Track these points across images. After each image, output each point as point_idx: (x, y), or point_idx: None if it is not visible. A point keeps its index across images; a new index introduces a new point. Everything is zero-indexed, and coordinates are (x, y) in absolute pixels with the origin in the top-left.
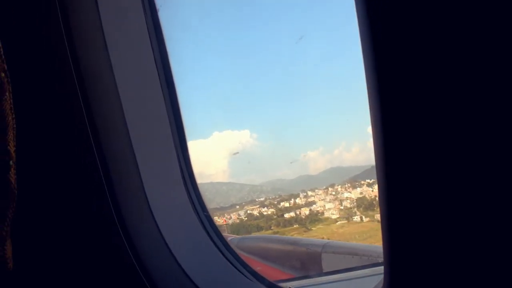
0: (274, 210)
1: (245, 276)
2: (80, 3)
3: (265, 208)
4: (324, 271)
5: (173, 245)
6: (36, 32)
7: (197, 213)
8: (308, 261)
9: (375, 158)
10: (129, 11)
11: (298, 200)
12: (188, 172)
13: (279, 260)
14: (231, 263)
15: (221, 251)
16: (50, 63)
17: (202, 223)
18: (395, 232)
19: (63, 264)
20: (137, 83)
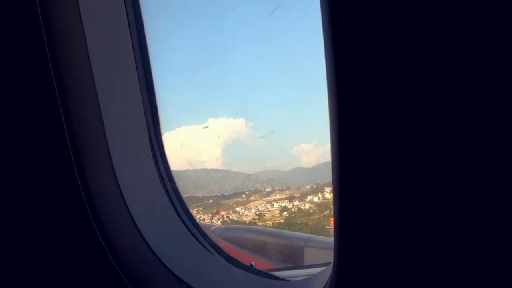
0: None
1: (206, 248)
2: None
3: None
4: (305, 264)
5: (138, 216)
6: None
7: (164, 185)
8: (290, 254)
9: (331, 157)
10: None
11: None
12: (158, 143)
13: (262, 251)
14: (193, 235)
15: (184, 224)
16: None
17: (168, 194)
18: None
19: (26, 241)
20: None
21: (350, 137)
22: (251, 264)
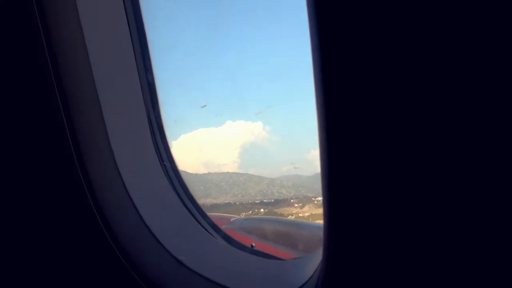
0: None
1: (205, 229)
2: None
3: None
4: None
5: (136, 196)
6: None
7: (163, 164)
8: (311, 243)
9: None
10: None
11: None
12: (157, 123)
13: (282, 241)
14: (193, 215)
15: (184, 205)
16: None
17: (167, 174)
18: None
19: (27, 225)
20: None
21: (337, 128)
22: (252, 245)
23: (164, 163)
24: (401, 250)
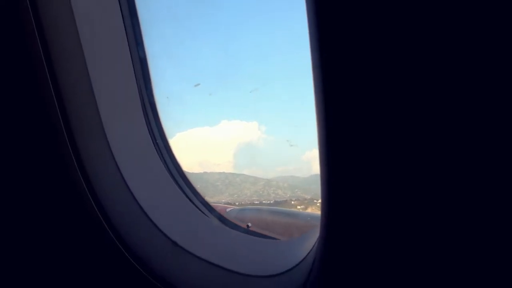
0: None
1: (199, 208)
2: None
3: None
4: None
5: (130, 178)
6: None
7: (155, 143)
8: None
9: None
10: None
11: None
12: (149, 100)
13: (279, 231)
14: (186, 196)
15: (178, 184)
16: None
17: (160, 153)
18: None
19: (22, 213)
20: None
21: (335, 128)
22: (247, 225)
23: (157, 141)
24: (396, 232)
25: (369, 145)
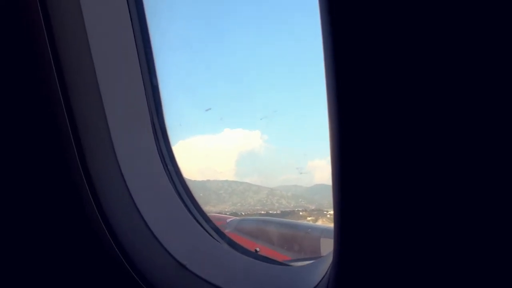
0: None
1: (209, 233)
2: None
3: None
4: (322, 255)
5: (140, 201)
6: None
7: (166, 168)
8: (307, 245)
9: (331, 153)
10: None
11: None
12: (160, 126)
13: (278, 242)
14: (196, 220)
15: (188, 209)
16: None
17: (171, 179)
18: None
19: (28, 225)
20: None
21: (349, 132)
22: (256, 250)
23: (167, 166)
24: (413, 256)
25: (390, 162)
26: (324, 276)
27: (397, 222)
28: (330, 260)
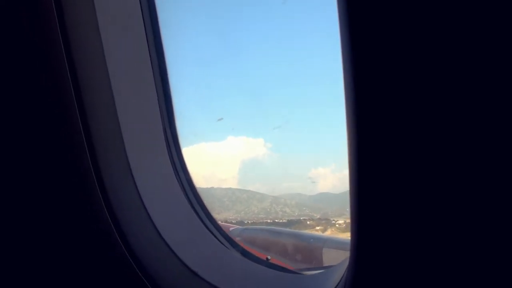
0: None
1: (221, 242)
2: None
3: None
4: (324, 265)
5: (153, 210)
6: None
7: (178, 177)
8: (309, 255)
9: (348, 158)
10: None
11: None
12: (172, 135)
13: (280, 252)
14: (208, 229)
15: (200, 218)
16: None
17: (183, 188)
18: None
19: (40, 230)
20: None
21: (367, 137)
22: (267, 258)
23: (179, 174)
24: (431, 264)
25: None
26: (338, 284)
27: (415, 227)
28: (343, 269)
